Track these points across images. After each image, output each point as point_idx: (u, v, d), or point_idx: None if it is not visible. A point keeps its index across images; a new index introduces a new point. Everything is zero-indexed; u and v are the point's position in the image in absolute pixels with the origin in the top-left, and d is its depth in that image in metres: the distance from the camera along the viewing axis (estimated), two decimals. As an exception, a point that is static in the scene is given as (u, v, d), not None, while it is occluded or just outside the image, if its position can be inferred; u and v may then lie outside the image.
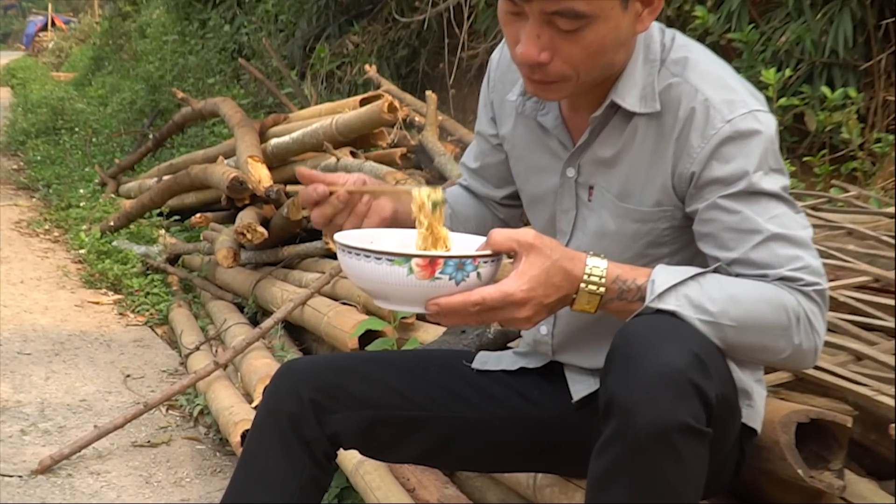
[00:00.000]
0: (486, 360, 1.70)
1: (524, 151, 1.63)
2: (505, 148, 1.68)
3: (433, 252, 1.26)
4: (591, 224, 1.54)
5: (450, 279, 1.24)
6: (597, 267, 1.36)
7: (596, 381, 1.60)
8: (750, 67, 4.18)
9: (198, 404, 3.40)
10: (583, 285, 1.34)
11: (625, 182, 1.50)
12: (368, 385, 1.60)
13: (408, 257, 1.23)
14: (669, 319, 1.32)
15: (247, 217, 4.30)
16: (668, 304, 1.34)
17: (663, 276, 1.36)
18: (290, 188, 4.76)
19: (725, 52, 4.39)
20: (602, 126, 1.53)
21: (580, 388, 1.63)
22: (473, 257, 1.27)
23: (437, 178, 4.13)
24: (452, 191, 1.74)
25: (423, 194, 1.34)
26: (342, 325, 3.26)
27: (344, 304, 3.52)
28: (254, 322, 4.22)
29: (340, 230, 1.42)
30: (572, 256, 1.34)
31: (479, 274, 1.28)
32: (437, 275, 1.23)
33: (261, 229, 4.19)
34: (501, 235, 1.31)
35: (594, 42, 1.38)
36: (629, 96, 1.48)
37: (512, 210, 1.78)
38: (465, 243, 1.41)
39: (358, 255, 1.26)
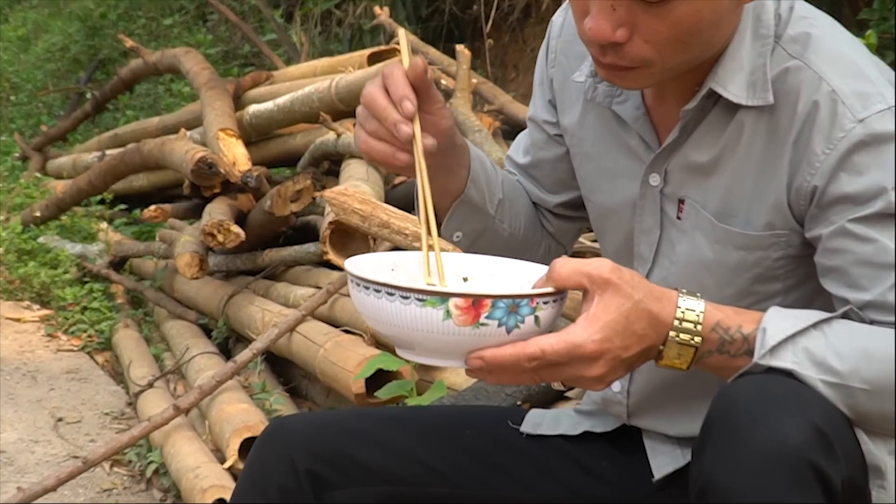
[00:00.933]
0: (540, 422, 1.73)
1: (594, 149, 1.67)
2: (567, 142, 1.72)
3: (479, 292, 1.28)
4: (681, 250, 1.56)
5: (499, 325, 1.28)
6: (691, 310, 1.38)
7: (684, 453, 1.64)
8: (882, 20, 4.12)
9: (151, 461, 3.46)
10: (673, 334, 1.37)
11: (726, 196, 1.52)
12: (383, 452, 1.64)
13: (445, 297, 1.26)
14: (785, 381, 1.35)
15: (217, 212, 4.36)
16: (784, 361, 1.37)
17: (777, 322, 1.39)
18: (274, 172, 4.95)
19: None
20: (697, 122, 1.56)
21: (663, 462, 1.67)
22: (530, 297, 1.30)
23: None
24: (503, 175, 1.78)
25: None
26: (344, 360, 3.36)
27: (346, 331, 3.63)
28: (225, 350, 4.33)
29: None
30: (660, 296, 1.37)
31: (536, 319, 1.31)
32: (482, 320, 1.27)
33: (235, 228, 4.26)
34: (568, 268, 1.34)
35: (686, 17, 1.40)
36: (733, 83, 1.51)
37: (567, 223, 1.82)
38: (512, 274, 1.46)
39: (377, 291, 1.29)
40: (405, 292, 1.28)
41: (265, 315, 4.09)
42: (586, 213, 1.74)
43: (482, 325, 1.27)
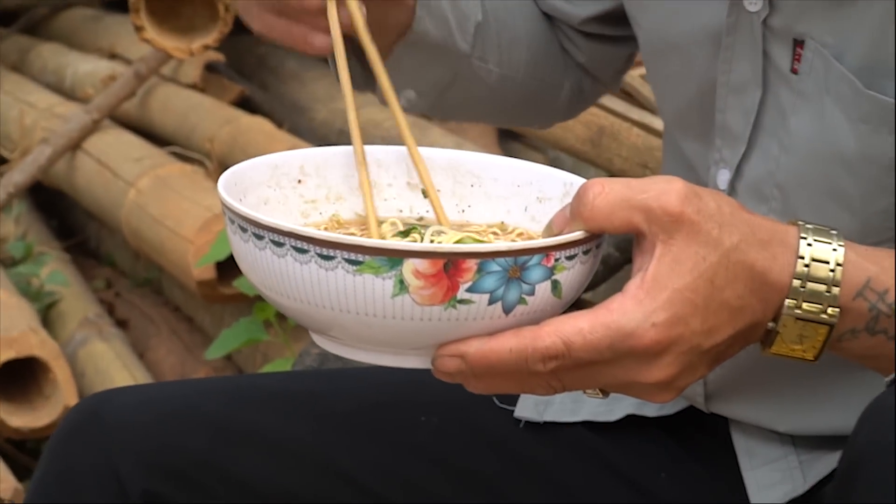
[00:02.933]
0: (549, 400, 1.52)
1: None
2: None
3: (454, 246, 1.04)
4: (799, 128, 1.32)
5: (491, 302, 1.00)
6: (822, 260, 1.12)
7: (805, 470, 1.42)
8: None
9: None
10: (791, 303, 1.11)
11: (878, 42, 1.27)
12: (274, 459, 1.45)
13: (396, 256, 0.98)
14: None
15: None
16: None
17: None
18: None
19: None
20: None
21: (767, 479, 1.45)
22: (544, 249, 1.00)
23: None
24: None
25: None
26: (175, 216, 2.88)
27: (180, 156, 3.20)
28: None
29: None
30: (767, 237, 1.10)
31: (555, 286, 1.03)
32: (461, 294, 0.99)
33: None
34: (608, 196, 1.04)
35: None
36: None
37: (607, 46, 1.57)
38: (511, 194, 1.19)
39: (277, 245, 0.99)
40: (326, 248, 0.97)
41: (24, 115, 3.51)
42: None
43: (461, 302, 1.00)
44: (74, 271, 3.33)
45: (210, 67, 3.53)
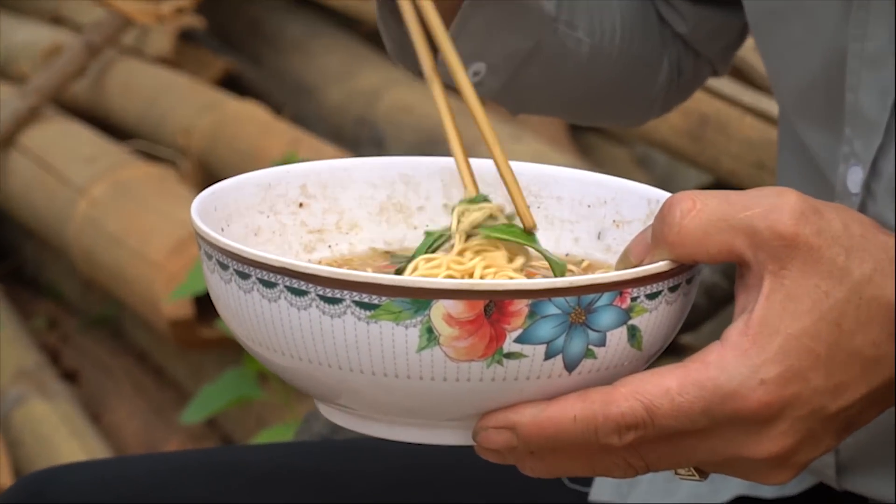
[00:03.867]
0: (635, 480, 1.39)
1: None
2: None
3: (500, 283, 0.89)
4: None
5: (549, 356, 0.90)
6: None
7: None
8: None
9: None
10: None
11: None
12: None
13: (422, 298, 0.88)
14: None
15: None
16: None
17: None
18: None
19: None
20: None
21: None
22: (618, 285, 0.92)
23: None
24: None
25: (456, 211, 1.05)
26: (140, 233, 2.78)
27: (144, 154, 3.12)
28: None
29: None
30: None
31: (632, 334, 0.93)
32: (508, 345, 0.89)
33: None
34: (702, 218, 0.94)
35: None
36: None
37: (705, 14, 1.37)
38: (574, 215, 1.12)
39: (266, 285, 0.90)
40: (331, 288, 0.88)
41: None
42: None
43: (509, 356, 0.89)
44: (7, 306, 3.24)
45: (186, 36, 3.28)
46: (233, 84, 3.18)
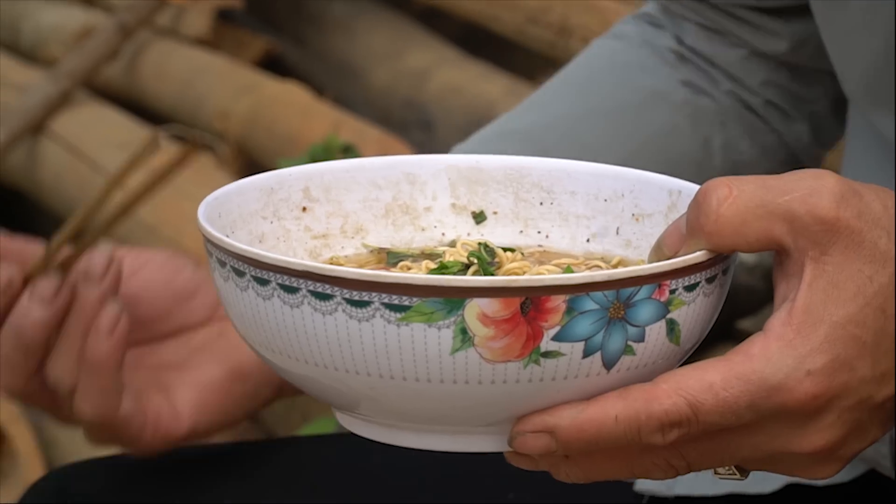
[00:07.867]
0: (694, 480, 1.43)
1: None
2: None
3: (536, 278, 0.89)
4: None
5: (587, 354, 0.91)
6: None
7: None
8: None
9: None
10: None
11: None
12: None
13: (456, 296, 0.87)
14: None
15: None
16: None
17: None
18: None
19: None
20: None
21: None
22: (657, 277, 0.92)
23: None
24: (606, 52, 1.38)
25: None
26: (175, 227, 2.96)
27: (180, 139, 2.85)
28: None
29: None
30: None
31: (671, 328, 0.93)
32: (546, 344, 0.89)
33: None
34: (739, 204, 0.94)
35: None
36: None
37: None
38: (602, 208, 1.10)
39: (287, 290, 0.88)
40: (359, 290, 0.87)
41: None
42: None
43: (547, 355, 0.90)
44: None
45: (224, 16, 3.23)
46: (274, 66, 3.12)
